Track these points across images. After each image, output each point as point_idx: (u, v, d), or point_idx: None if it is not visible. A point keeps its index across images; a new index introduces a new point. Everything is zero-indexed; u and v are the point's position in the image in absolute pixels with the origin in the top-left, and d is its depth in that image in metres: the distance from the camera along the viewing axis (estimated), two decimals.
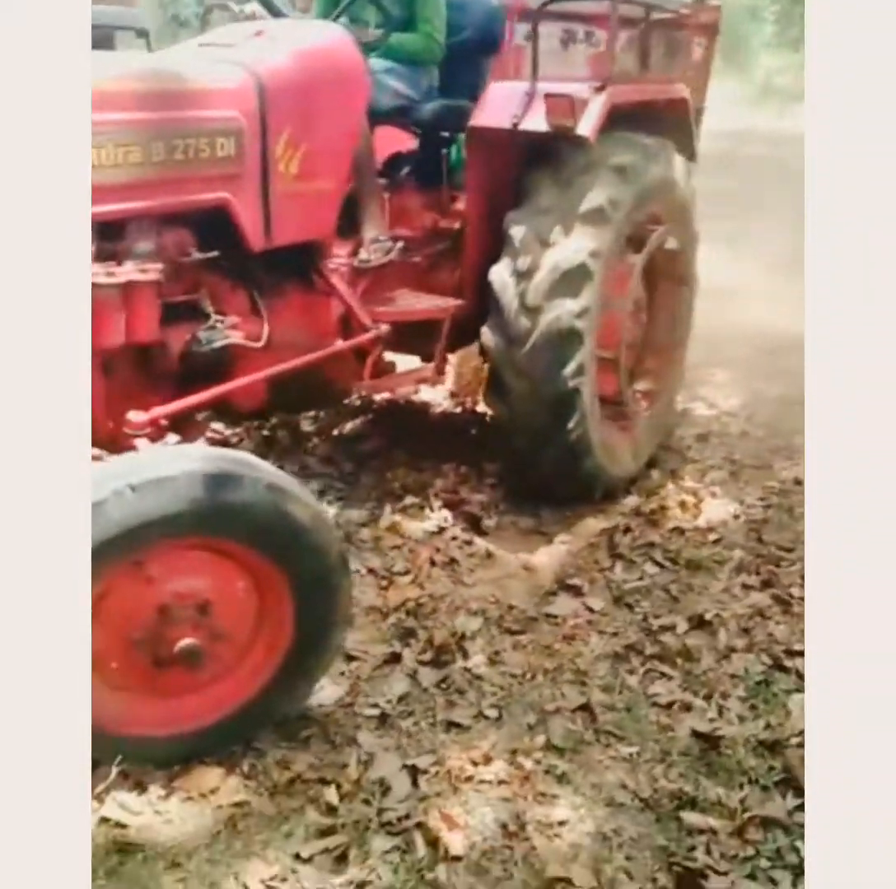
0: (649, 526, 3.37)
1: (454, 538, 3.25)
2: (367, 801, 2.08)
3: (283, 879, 1.90)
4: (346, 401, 4.05)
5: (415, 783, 2.14)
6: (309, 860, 1.94)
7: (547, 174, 3.21)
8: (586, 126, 3.05)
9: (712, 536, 3.35)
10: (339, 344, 3.00)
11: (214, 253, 2.51)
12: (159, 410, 2.35)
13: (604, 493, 3.53)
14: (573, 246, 3.09)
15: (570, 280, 3.08)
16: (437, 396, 4.56)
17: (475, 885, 1.89)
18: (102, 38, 3.12)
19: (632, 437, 3.70)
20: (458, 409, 4.51)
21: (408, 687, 2.49)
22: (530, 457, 3.34)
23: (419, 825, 2.00)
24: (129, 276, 2.24)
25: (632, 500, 3.56)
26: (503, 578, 3.06)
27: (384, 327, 3.11)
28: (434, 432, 4.27)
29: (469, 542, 3.22)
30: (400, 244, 3.31)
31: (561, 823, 2.04)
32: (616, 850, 1.98)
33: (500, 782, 2.16)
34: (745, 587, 3.00)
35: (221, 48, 2.73)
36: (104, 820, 2.00)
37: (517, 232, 3.16)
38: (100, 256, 2.23)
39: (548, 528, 3.38)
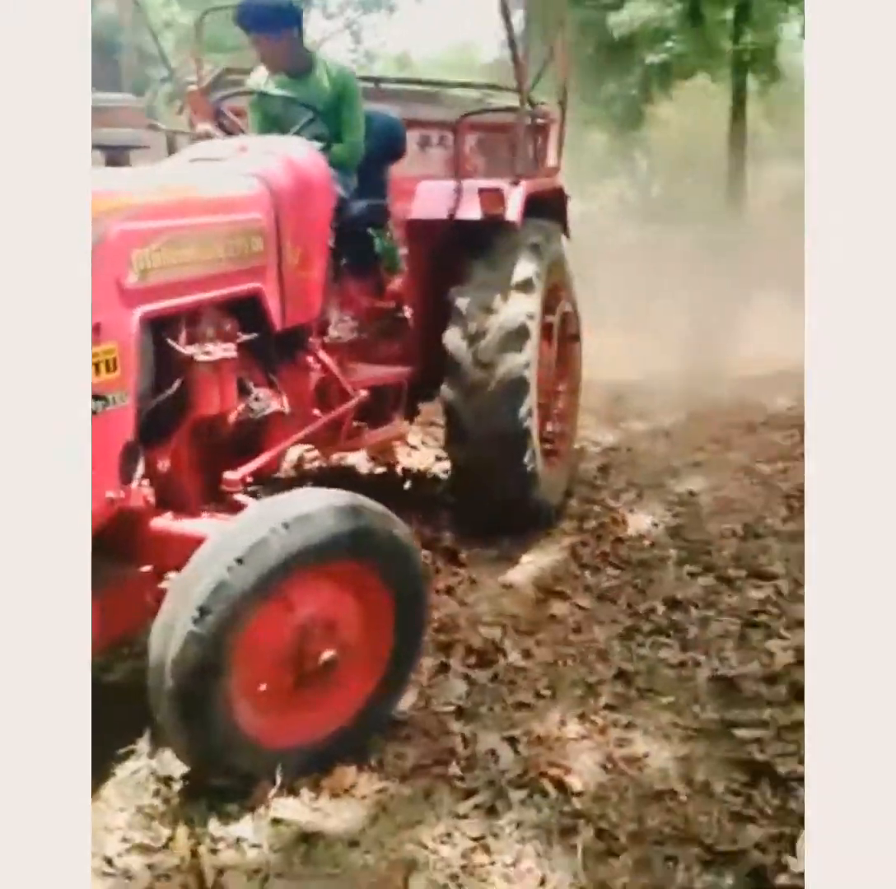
0: (596, 540, 3.97)
1: (438, 571, 3.69)
2: (486, 768, 2.48)
3: (449, 834, 2.26)
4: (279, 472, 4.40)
5: (516, 750, 2.56)
6: (465, 816, 2.31)
7: (479, 255, 3.80)
8: (513, 212, 3.69)
9: (646, 542, 3.99)
10: (339, 409, 3.41)
11: (254, 335, 2.89)
12: (246, 470, 2.69)
13: (546, 520, 4.09)
14: (512, 311, 3.69)
15: (514, 338, 3.67)
16: (359, 460, 4.99)
17: (603, 808, 2.33)
18: (120, 158, 3.37)
19: (557, 471, 4.30)
20: (381, 469, 4.96)
21: (466, 686, 2.90)
22: (487, 493, 3.85)
23: (542, 774, 2.42)
24: (220, 355, 2.60)
25: (568, 525, 4.15)
26: (495, 596, 3.53)
27: (364, 393, 3.55)
28: (372, 490, 4.68)
29: (456, 573, 3.68)
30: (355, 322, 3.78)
31: (644, 756, 2.53)
32: (695, 763, 2.49)
33: (583, 738, 2.62)
34: (692, 574, 3.64)
35: (215, 162, 3.13)
36: (276, 821, 2.27)
37: (462, 303, 3.72)
38: (187, 340, 2.57)
39: (511, 553, 3.89)
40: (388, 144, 4.27)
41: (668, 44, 25.96)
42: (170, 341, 2.50)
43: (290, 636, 2.32)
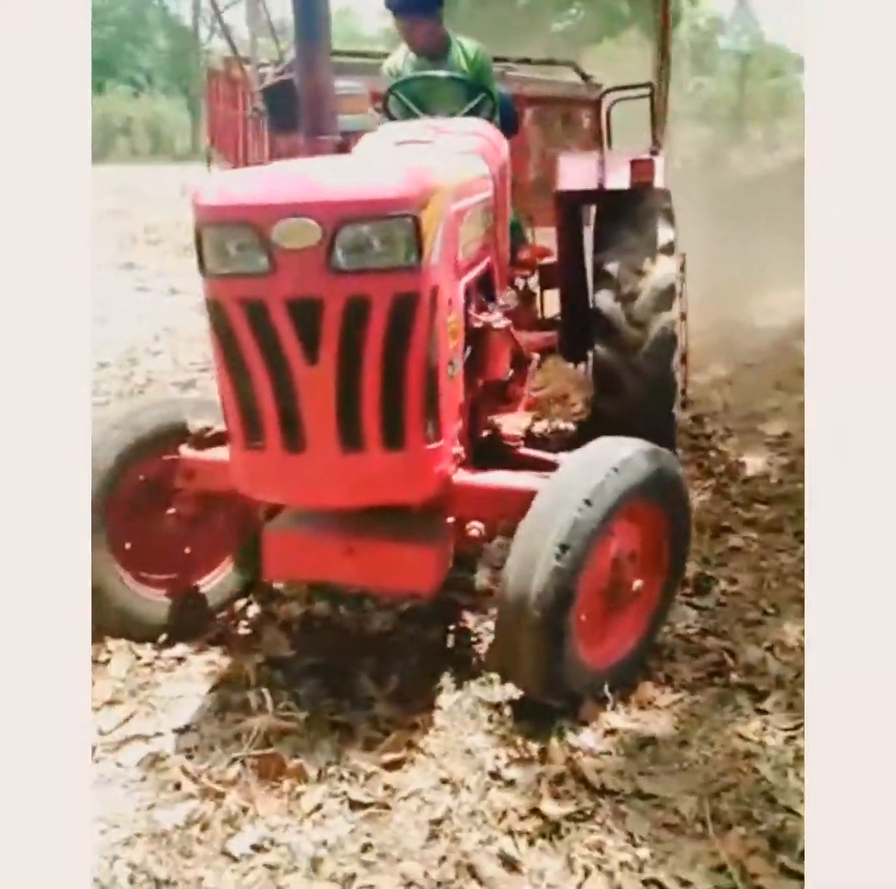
0: (731, 480, 4.36)
1: None
2: (763, 674, 2.82)
3: (764, 727, 2.58)
4: None
5: (776, 658, 2.91)
6: (769, 712, 2.65)
7: (621, 222, 4.08)
8: (659, 181, 3.98)
9: (773, 480, 4.38)
10: (526, 370, 3.67)
11: (515, 303, 3.13)
12: (519, 424, 2.95)
13: None
14: (661, 272, 3.98)
15: (665, 297, 3.96)
16: None
17: None
18: (345, 143, 3.41)
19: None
20: None
21: (695, 611, 3.24)
22: None
23: None
24: (506, 322, 2.85)
25: (694, 470, 4.52)
26: None
27: (536, 356, 3.82)
28: None
29: None
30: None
31: None
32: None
33: None
34: None
35: (425, 143, 3.33)
36: (610, 731, 2.57)
37: (612, 267, 4.00)
38: (479, 308, 2.81)
39: None
40: (506, 121, 4.51)
41: (572, 11, 26.48)
42: (468, 312, 2.73)
43: (609, 567, 2.61)
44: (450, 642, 3.05)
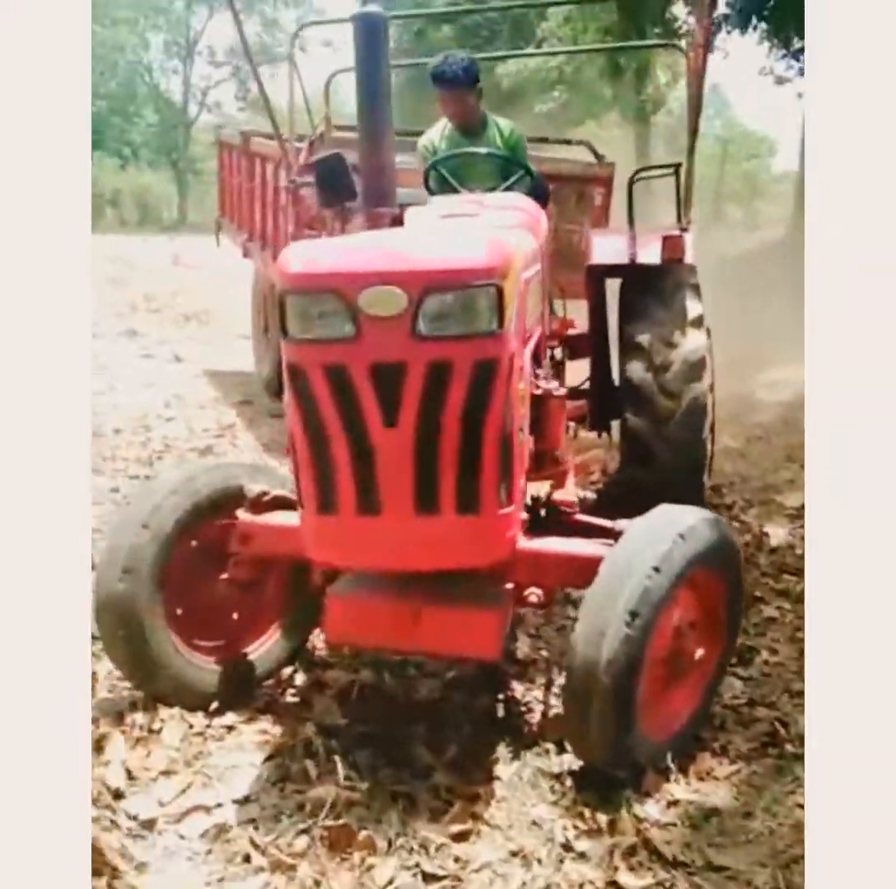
0: (757, 550, 4.39)
1: None
2: None
3: None
4: None
5: None
6: None
7: (650, 295, 4.18)
8: (691, 256, 4.10)
9: (798, 551, 4.42)
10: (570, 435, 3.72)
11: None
12: (575, 492, 2.99)
13: None
14: (692, 345, 4.08)
15: (697, 369, 4.06)
16: None
17: None
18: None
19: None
20: None
21: (740, 683, 3.24)
22: None
23: None
24: (563, 391, 2.91)
25: None
26: None
27: (572, 423, 3.88)
28: None
29: None
30: None
31: None
32: None
33: None
34: None
35: (469, 217, 3.42)
36: (672, 802, 2.55)
37: (644, 338, 4.09)
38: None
39: None
40: (537, 197, 4.64)
41: (555, 93, 27.39)
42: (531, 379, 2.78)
43: (671, 636, 2.61)
44: (500, 711, 3.03)
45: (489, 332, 2.30)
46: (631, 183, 4.22)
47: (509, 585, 2.71)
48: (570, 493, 3.02)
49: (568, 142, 6.13)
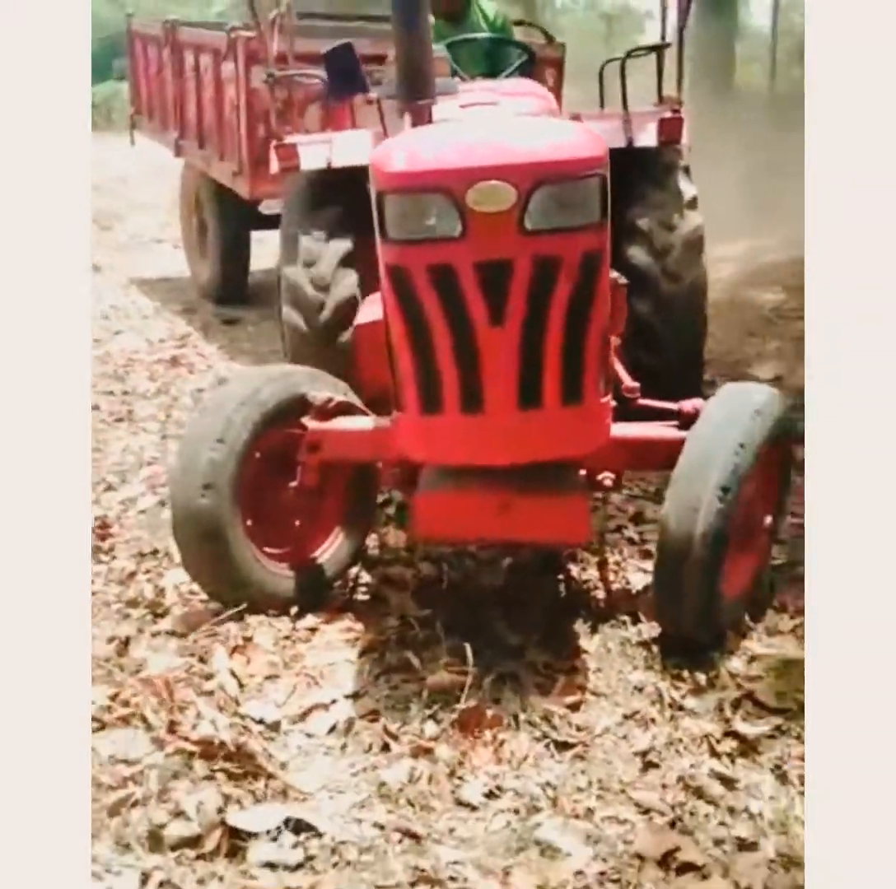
0: None
1: None
2: None
3: None
4: None
5: None
6: None
7: (645, 179, 4.20)
8: (687, 138, 4.12)
9: None
10: None
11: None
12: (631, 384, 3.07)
13: None
14: (689, 226, 4.14)
15: (696, 250, 4.14)
16: None
17: None
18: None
19: None
20: None
21: None
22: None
23: None
24: (625, 280, 2.96)
25: None
26: None
27: None
28: None
29: None
30: None
31: None
32: None
33: None
34: None
35: (490, 105, 3.37)
36: (753, 658, 2.74)
37: (644, 222, 4.13)
38: None
39: None
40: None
41: None
42: None
43: (746, 507, 2.76)
44: (562, 591, 3.17)
45: (597, 223, 2.32)
46: (622, 64, 4.18)
47: (582, 471, 2.80)
48: (627, 378, 3.10)
49: (520, 23, 5.99)
